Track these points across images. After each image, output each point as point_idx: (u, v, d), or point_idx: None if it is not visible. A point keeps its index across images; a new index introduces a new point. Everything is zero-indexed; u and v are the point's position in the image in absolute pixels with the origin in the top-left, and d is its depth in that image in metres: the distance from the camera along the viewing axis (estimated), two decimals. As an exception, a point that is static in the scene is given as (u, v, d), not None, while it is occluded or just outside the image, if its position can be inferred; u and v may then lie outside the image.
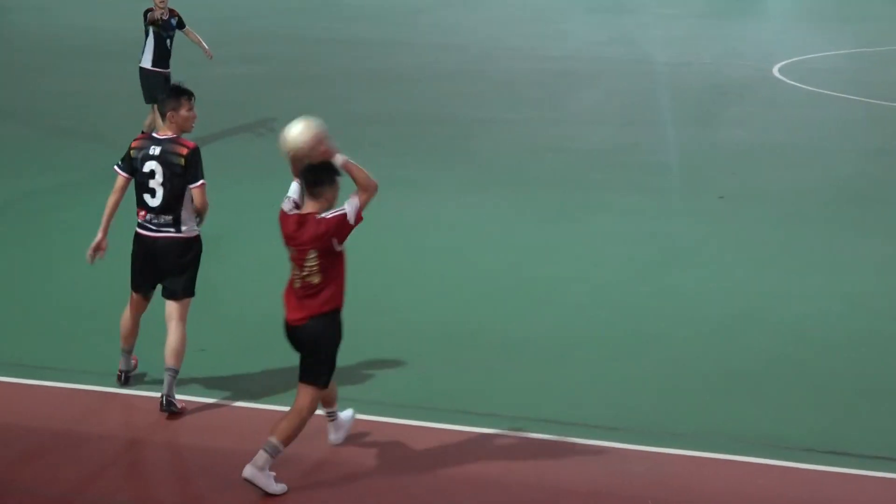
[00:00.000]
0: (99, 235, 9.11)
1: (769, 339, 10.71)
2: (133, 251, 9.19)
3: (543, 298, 11.64)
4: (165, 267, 9.09)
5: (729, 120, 19.59)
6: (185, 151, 8.92)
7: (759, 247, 13.28)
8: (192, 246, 9.11)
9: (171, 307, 9.11)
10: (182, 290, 9.07)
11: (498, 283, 11.98)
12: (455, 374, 9.82)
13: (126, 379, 9.43)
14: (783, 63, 24.50)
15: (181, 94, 9.13)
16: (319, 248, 7.87)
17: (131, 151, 9.06)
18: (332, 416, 8.55)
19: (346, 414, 8.65)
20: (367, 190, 7.97)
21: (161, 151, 8.93)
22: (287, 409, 8.11)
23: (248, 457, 7.85)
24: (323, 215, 7.85)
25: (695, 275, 12.33)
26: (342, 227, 7.85)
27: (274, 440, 7.95)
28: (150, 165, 8.94)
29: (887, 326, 11.07)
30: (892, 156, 17.48)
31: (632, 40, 27.75)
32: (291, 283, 8.06)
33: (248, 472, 7.92)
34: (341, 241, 7.90)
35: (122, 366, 9.45)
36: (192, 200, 8.96)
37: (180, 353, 8.94)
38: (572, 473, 8.25)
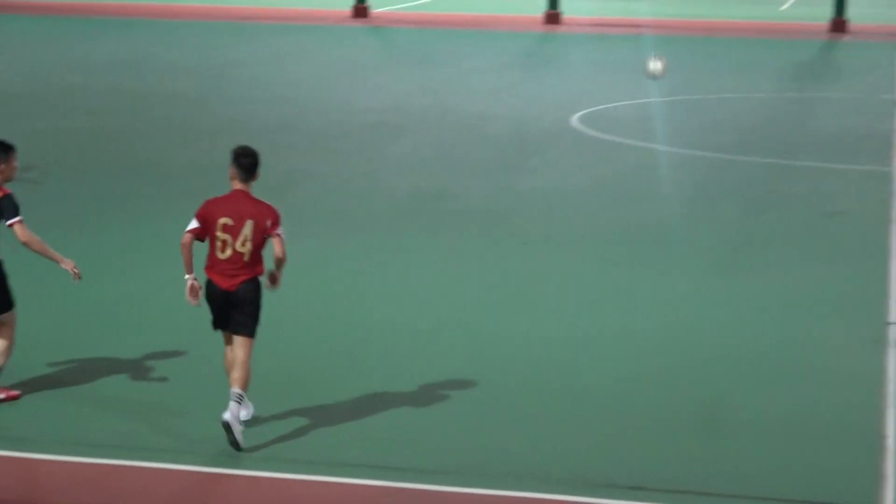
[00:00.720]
0: None
1: (567, 377, 10.95)
2: None
3: (362, 339, 11.72)
4: None
5: (531, 168, 19.88)
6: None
7: (561, 288, 13.53)
8: None
9: None
10: None
11: (317, 326, 12.02)
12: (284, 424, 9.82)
13: None
14: (582, 113, 24.87)
15: (7, 149, 9.98)
16: (258, 223, 9.36)
17: None
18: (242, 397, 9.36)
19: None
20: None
21: None
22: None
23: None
24: (260, 200, 9.58)
25: (500, 315, 12.51)
26: (277, 218, 9.54)
27: (237, 389, 9.24)
28: None
29: (688, 359, 11.38)
30: (686, 200, 17.88)
31: (439, 92, 27.98)
32: (215, 259, 9.43)
33: (228, 416, 9.15)
34: (272, 230, 9.46)
35: None
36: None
37: None
38: None
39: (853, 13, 43.65)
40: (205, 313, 9.61)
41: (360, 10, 46.66)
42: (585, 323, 12.43)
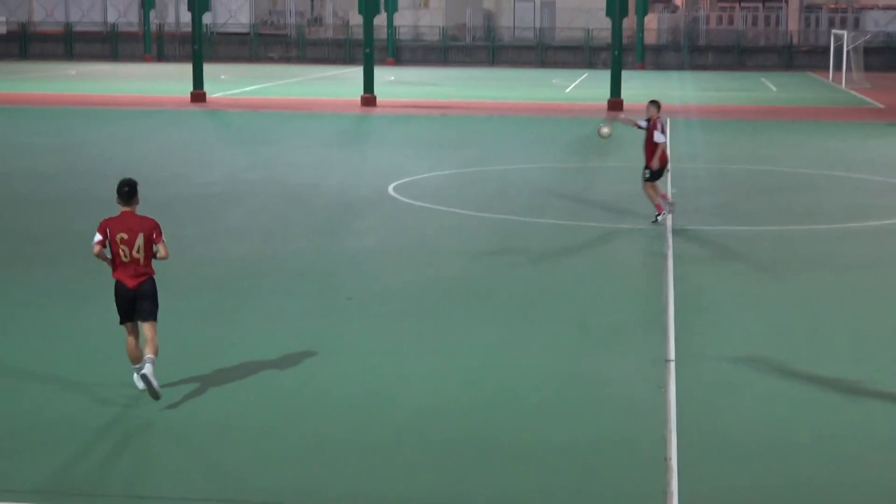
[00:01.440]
0: None
1: (397, 414, 10.86)
2: None
3: (204, 390, 11.46)
4: None
5: (354, 231, 19.85)
6: None
7: (384, 338, 13.46)
8: None
9: None
10: None
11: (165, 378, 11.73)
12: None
13: None
14: (397, 183, 24.98)
15: None
16: (146, 235, 10.96)
17: None
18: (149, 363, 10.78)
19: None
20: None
21: None
22: None
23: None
24: (144, 216, 11.15)
25: (333, 363, 12.40)
26: (159, 229, 11.13)
27: (151, 355, 10.77)
28: None
29: (490, 401, 11.38)
30: (488, 256, 17.98)
31: (269, 166, 27.85)
32: (120, 263, 10.98)
33: (149, 370, 10.64)
34: (158, 239, 11.06)
35: None
36: None
37: None
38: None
39: (626, 93, 44.72)
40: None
41: (198, 96, 46.39)
42: (397, 366, 12.37)
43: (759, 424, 10.74)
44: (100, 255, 11.09)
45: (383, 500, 8.95)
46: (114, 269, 11.08)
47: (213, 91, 49.25)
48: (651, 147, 20.11)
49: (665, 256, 17.78)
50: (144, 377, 10.62)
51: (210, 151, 31.00)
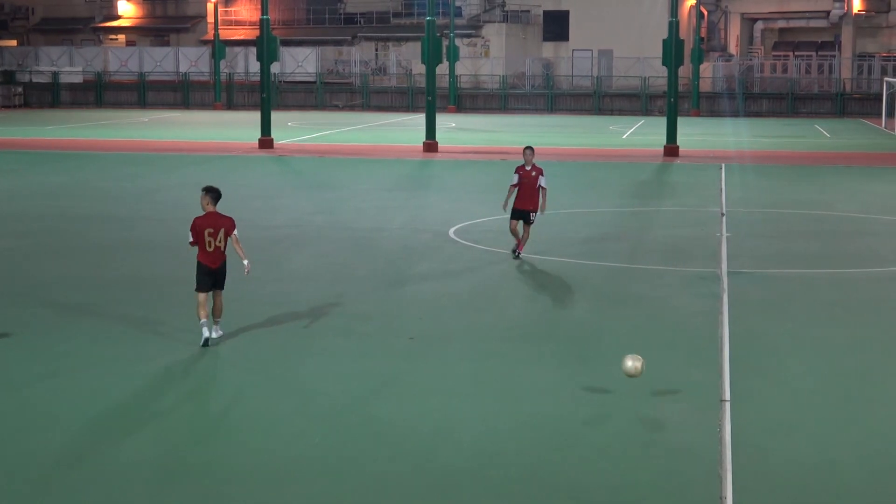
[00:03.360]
0: None
1: (458, 454, 10.83)
2: None
3: (270, 428, 11.50)
4: None
5: (415, 274, 19.87)
6: None
7: (444, 378, 13.45)
8: None
9: None
10: None
11: (225, 420, 11.78)
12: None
13: None
14: (458, 226, 25.03)
15: None
16: (226, 229, 14.41)
17: None
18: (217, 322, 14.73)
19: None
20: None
21: None
22: None
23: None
24: (228, 217, 14.63)
25: (394, 403, 12.40)
26: (234, 225, 14.57)
27: (219, 318, 14.72)
28: None
29: (547, 442, 11.31)
30: (546, 299, 17.96)
31: (334, 210, 28.00)
32: (205, 250, 14.34)
33: (215, 335, 14.51)
34: (232, 232, 14.49)
35: None
36: None
37: None
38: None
39: (682, 140, 44.60)
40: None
41: (266, 142, 46.79)
42: (456, 407, 12.33)
43: (812, 467, 10.60)
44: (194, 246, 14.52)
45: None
46: (199, 254, 14.37)
47: (280, 137, 49.67)
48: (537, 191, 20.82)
49: (720, 299, 17.65)
50: (207, 339, 14.29)
51: (277, 196, 31.21)
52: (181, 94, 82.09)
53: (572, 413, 12.16)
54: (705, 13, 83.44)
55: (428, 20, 45.54)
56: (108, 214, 27.04)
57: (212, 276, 14.43)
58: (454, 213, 27.42)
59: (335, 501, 9.62)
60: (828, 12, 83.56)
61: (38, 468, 10.28)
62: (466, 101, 78.70)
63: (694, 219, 27.03)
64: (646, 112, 75.31)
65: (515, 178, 20.86)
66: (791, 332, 15.91)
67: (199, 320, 14.37)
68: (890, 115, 60.93)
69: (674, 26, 44.28)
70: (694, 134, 52.47)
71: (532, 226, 21.10)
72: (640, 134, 57.85)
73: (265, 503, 9.63)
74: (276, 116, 50.92)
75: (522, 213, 20.82)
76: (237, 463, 10.52)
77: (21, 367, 13.70)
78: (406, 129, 59.29)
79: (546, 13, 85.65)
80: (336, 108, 79.53)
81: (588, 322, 16.61)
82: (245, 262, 14.63)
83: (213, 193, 14.67)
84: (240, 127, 58.73)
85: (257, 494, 9.83)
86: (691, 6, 77.77)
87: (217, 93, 79.35)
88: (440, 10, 72.83)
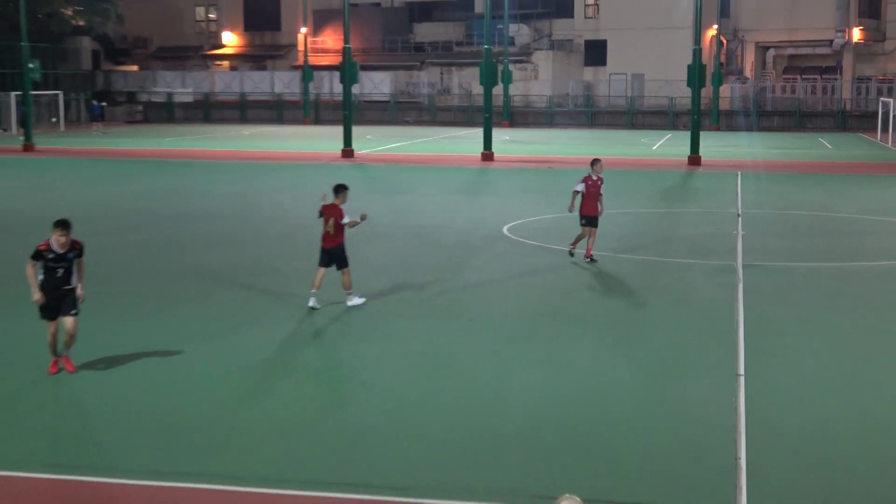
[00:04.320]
0: None
1: (506, 419, 10.77)
2: None
3: (347, 397, 11.48)
4: None
5: (473, 265, 19.83)
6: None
7: (499, 353, 13.40)
8: None
9: None
10: None
11: (315, 384, 11.78)
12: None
13: None
14: (510, 224, 24.96)
15: (57, 224, 11.54)
16: (336, 218, 15.46)
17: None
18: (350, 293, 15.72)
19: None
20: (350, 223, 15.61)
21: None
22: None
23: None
24: (340, 207, 15.55)
25: (455, 375, 12.37)
26: (343, 215, 15.45)
27: (348, 291, 15.67)
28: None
29: (584, 410, 11.23)
30: (585, 287, 17.83)
31: (403, 210, 28.01)
32: (324, 233, 15.46)
33: (353, 302, 15.59)
34: (340, 219, 15.45)
35: None
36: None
37: None
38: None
39: (704, 151, 44.11)
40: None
41: (347, 152, 46.98)
42: (507, 378, 12.28)
43: (816, 433, 10.44)
44: (350, 225, 15.71)
45: (494, 492, 8.87)
46: (322, 237, 15.59)
47: (360, 148, 49.80)
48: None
49: (736, 288, 17.43)
50: (353, 305, 15.62)
51: (356, 197, 31.07)
52: (276, 111, 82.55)
53: (606, 385, 12.08)
54: (724, 42, 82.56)
55: (486, 48, 45.46)
56: (210, 212, 27.22)
57: (329, 255, 15.53)
58: (508, 213, 27.33)
59: (407, 464, 9.60)
60: (831, 41, 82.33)
61: (210, 408, 10.34)
62: (518, 117, 78.38)
63: (714, 219, 26.73)
64: (673, 127, 74.60)
65: (581, 187, 20.11)
66: (798, 317, 15.69)
67: (312, 290, 15.65)
68: (885, 130, 59.97)
69: (697, 53, 43.81)
70: (714, 146, 51.91)
71: (573, 226, 20.88)
72: (667, 146, 57.33)
73: (344, 462, 9.63)
74: (356, 130, 51.06)
75: (592, 218, 20.25)
76: (322, 426, 10.53)
77: (184, 330, 13.83)
78: (466, 141, 59.17)
79: (587, 42, 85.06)
80: (407, 123, 79.60)
81: (623, 307, 16.48)
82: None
83: (337, 187, 15.71)
84: (325, 139, 58.92)
85: (337, 454, 9.83)
86: (712, 36, 76.92)
87: (306, 110, 79.74)
88: (496, 40, 72.70)
